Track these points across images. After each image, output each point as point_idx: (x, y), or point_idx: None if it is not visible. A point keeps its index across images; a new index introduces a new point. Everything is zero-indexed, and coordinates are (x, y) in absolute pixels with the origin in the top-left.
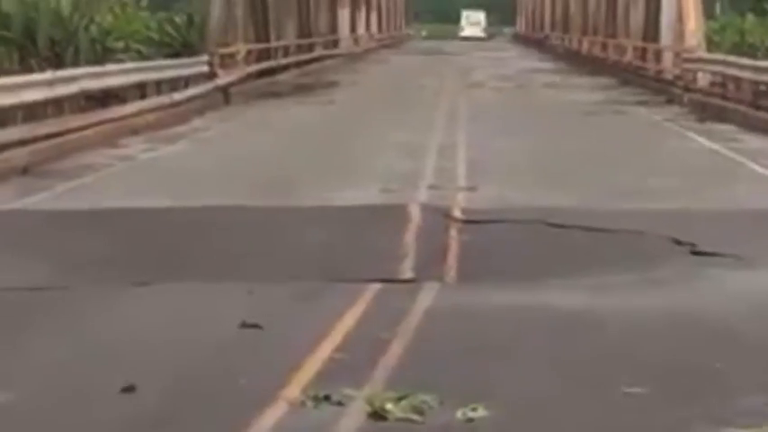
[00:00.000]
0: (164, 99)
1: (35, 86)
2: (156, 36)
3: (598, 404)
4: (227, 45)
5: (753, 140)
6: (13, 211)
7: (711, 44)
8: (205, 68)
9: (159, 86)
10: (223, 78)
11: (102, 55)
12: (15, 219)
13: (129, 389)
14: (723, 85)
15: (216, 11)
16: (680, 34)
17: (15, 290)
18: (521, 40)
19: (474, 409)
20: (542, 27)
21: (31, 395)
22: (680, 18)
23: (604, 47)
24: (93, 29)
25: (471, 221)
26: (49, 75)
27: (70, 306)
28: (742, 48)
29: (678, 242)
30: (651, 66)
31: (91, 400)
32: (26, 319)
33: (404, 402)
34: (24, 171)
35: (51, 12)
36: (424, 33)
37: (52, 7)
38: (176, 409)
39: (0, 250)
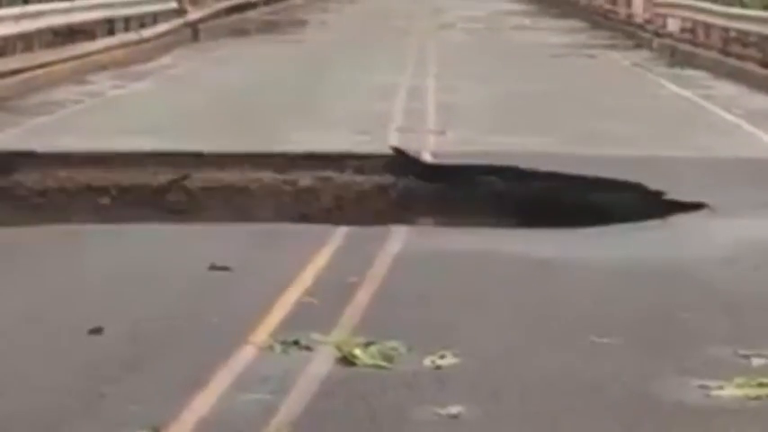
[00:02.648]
0: (132, 35)
1: (1, 21)
2: None
3: (566, 353)
4: None
5: (722, 87)
6: None
7: None
8: (174, 4)
9: (128, 22)
10: (192, 14)
11: None
12: None
13: (96, 330)
14: (693, 30)
15: None
16: None
17: None
18: None
19: (442, 357)
20: None
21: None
22: None
23: None
24: None
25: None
26: (16, 10)
27: (38, 247)
28: None
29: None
30: (621, 9)
31: (59, 342)
32: None
33: (372, 348)
34: None
35: None
36: None
37: None
38: (144, 351)
39: None
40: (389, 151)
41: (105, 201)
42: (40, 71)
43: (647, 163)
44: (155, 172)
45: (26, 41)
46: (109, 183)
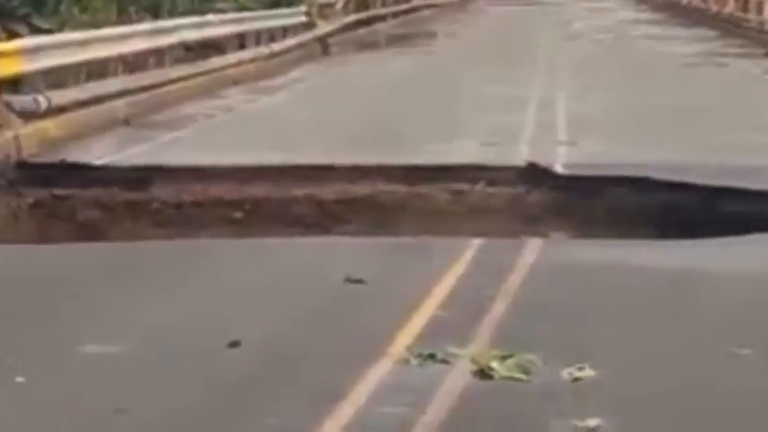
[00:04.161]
0: (263, 49)
1: (135, 37)
2: None
3: (705, 365)
4: None
5: None
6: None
7: None
8: (303, 18)
9: (258, 37)
10: (321, 28)
11: (198, 4)
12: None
13: (234, 344)
14: None
15: None
16: None
17: (121, 243)
18: None
19: (580, 369)
20: None
21: (141, 348)
22: None
23: None
24: None
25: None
26: (149, 26)
27: (173, 261)
28: None
29: None
30: (753, 17)
31: (195, 357)
32: (131, 271)
33: (509, 361)
34: (126, 122)
35: None
36: None
37: None
38: (281, 364)
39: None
40: (521, 163)
41: (238, 214)
42: (172, 86)
43: None
44: (287, 186)
45: (157, 57)
46: (242, 196)
